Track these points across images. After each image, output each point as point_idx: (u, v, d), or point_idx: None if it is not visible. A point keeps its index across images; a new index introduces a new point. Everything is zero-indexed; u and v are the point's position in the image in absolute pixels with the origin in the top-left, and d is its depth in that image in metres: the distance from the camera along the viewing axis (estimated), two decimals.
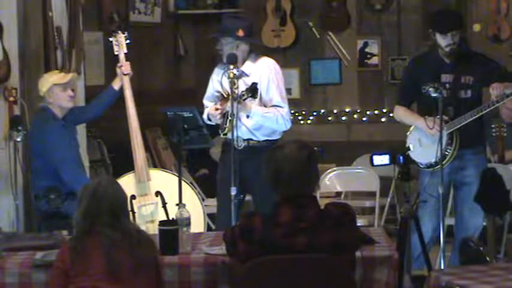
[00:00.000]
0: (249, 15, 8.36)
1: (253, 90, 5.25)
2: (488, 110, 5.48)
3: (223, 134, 5.47)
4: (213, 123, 5.58)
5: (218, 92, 5.59)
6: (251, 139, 5.52)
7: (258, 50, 5.74)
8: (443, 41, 5.58)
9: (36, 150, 5.68)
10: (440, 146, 5.28)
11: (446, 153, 5.50)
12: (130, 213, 5.41)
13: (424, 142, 5.67)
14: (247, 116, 5.44)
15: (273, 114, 5.48)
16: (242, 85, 5.30)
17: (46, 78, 5.81)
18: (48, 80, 5.75)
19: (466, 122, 5.50)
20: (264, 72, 5.53)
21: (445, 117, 5.42)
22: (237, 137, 5.28)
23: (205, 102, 5.70)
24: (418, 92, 5.53)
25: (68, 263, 3.74)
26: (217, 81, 5.57)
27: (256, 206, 5.61)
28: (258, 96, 5.38)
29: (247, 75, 5.46)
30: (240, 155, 5.26)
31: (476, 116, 5.48)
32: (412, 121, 5.77)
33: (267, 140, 5.52)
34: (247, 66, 5.52)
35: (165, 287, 3.93)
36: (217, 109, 5.48)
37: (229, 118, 5.22)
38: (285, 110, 5.53)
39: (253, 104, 5.42)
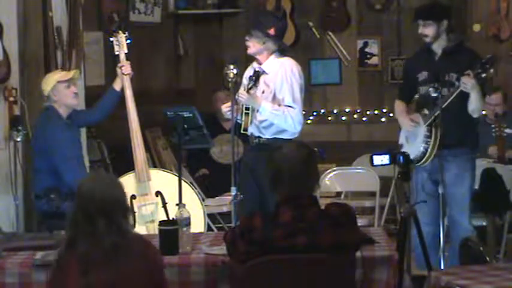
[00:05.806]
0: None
1: (255, 78, 5.28)
2: (452, 97, 5.39)
3: (243, 130, 5.47)
4: (240, 122, 5.53)
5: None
6: (260, 137, 5.52)
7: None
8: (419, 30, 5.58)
9: (39, 149, 5.68)
10: (429, 145, 5.28)
11: (426, 147, 5.46)
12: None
13: (409, 139, 5.68)
14: (257, 111, 5.46)
15: (282, 113, 5.41)
16: (262, 83, 5.41)
17: (49, 77, 5.78)
18: (52, 78, 5.72)
19: (438, 112, 5.36)
20: (279, 71, 5.48)
21: (426, 112, 5.44)
22: (251, 134, 5.46)
23: None
24: (413, 88, 5.55)
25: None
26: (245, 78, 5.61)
27: (267, 204, 5.48)
28: (259, 85, 5.40)
29: (266, 74, 5.48)
30: (251, 152, 5.40)
31: (445, 104, 5.35)
32: (397, 117, 5.81)
33: (275, 138, 5.46)
34: (268, 65, 5.51)
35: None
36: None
37: (245, 111, 5.35)
38: (295, 111, 5.44)
39: (263, 100, 5.44)
